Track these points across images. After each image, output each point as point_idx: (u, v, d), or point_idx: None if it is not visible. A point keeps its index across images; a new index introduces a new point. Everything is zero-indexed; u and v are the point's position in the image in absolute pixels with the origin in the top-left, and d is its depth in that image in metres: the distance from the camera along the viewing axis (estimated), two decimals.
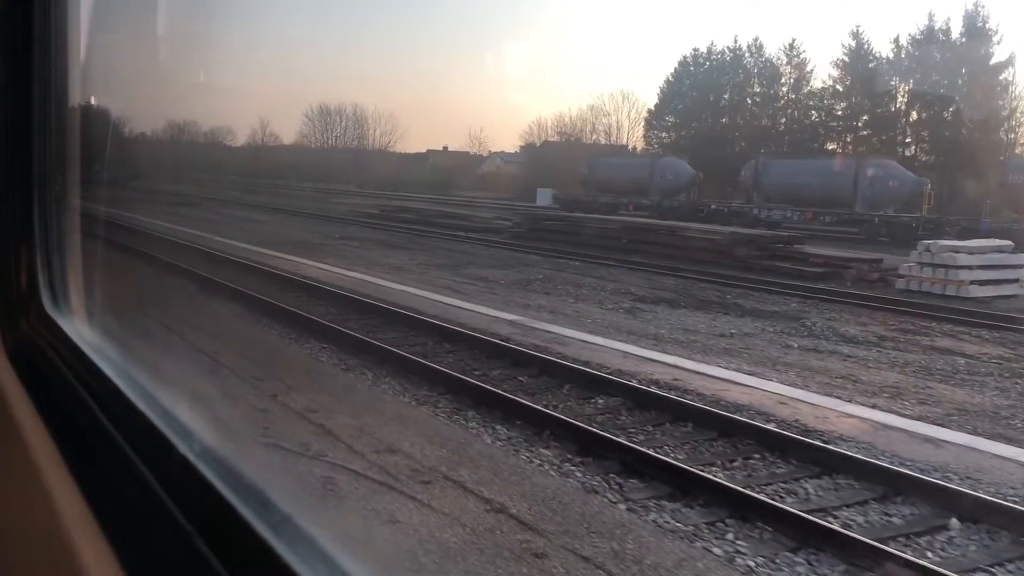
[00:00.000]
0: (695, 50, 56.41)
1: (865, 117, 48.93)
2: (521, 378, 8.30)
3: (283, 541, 1.01)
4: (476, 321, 10.92)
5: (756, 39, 55.25)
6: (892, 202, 30.53)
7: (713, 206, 34.53)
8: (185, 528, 1.12)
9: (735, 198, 38.05)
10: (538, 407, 7.12)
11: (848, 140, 49.78)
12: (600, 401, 7.57)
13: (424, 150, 66.86)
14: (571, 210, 34.74)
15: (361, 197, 46.01)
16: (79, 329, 2.13)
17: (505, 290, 14.83)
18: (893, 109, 47.83)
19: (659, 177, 38.11)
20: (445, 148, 66.41)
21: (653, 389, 7.77)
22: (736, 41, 56.99)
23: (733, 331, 11.57)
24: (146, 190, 37.72)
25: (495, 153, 65.29)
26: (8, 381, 2.00)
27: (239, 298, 11.96)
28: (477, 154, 65.84)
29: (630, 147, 56.52)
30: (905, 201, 30.73)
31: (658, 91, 58.70)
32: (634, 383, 7.92)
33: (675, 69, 56.66)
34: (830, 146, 49.43)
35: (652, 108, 57.67)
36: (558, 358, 8.81)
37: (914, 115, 47.11)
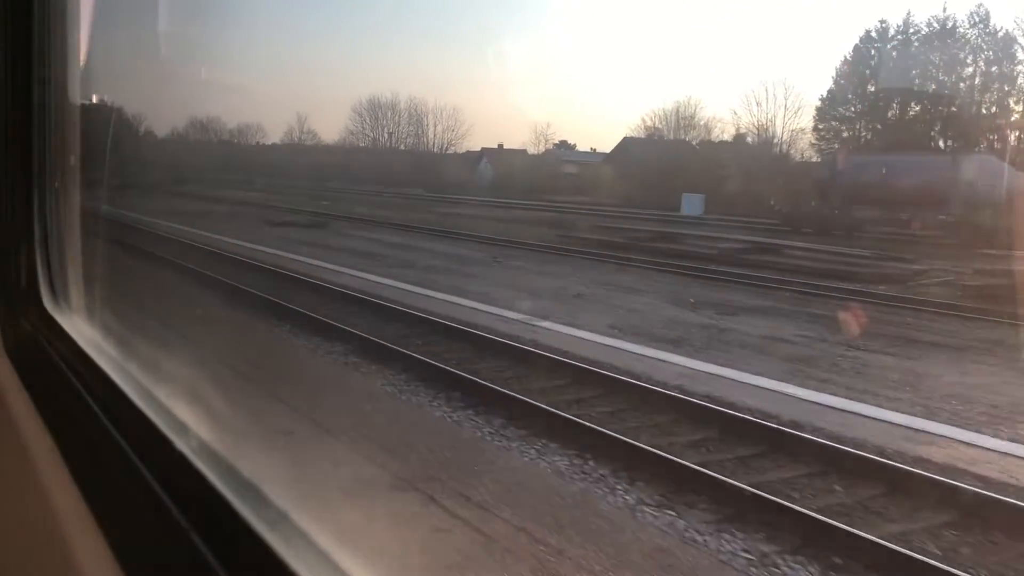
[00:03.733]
0: (882, 22, 43.27)
1: None
2: None
3: (279, 537, 1.01)
4: None
5: (980, 6, 42.45)
6: None
7: None
8: (182, 524, 1.12)
9: None
10: None
11: None
12: None
13: (478, 148, 58.16)
14: (796, 226, 26.66)
15: (466, 205, 37.93)
16: (79, 327, 2.13)
17: None
18: None
19: (970, 183, 25.76)
20: (500, 146, 57.83)
21: None
22: (945, 9, 45.55)
23: None
24: (214, 200, 33.46)
25: (549, 150, 57.41)
26: (7, 378, 2.01)
27: None
28: (539, 152, 56.93)
29: (694, 139, 47.66)
30: None
31: (833, 75, 46.57)
32: None
33: (855, 46, 44.14)
34: None
35: (825, 95, 45.09)
36: None
37: None
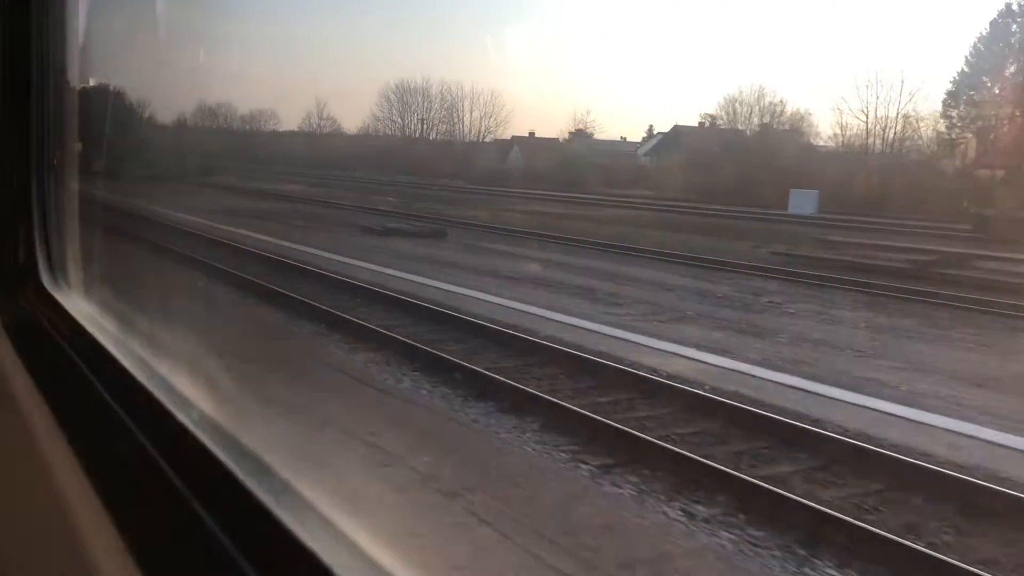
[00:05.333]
0: None
1: None
2: None
3: (283, 506, 1.00)
4: None
5: None
6: None
7: None
8: (184, 495, 1.11)
9: None
10: None
11: None
12: None
13: (508, 136, 52.55)
14: (1000, 236, 19.64)
15: (542, 202, 32.52)
16: (77, 304, 2.12)
17: None
18: None
19: None
20: (532, 134, 52.64)
21: None
22: None
23: None
24: (261, 195, 29.46)
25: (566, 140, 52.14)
26: (7, 356, 2.00)
27: None
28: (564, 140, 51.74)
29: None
30: None
31: (967, 54, 38.49)
32: None
33: (992, 20, 36.08)
34: None
35: (956, 77, 37.93)
36: None
37: None
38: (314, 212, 26.05)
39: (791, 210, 30.02)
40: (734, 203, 30.90)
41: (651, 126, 51.51)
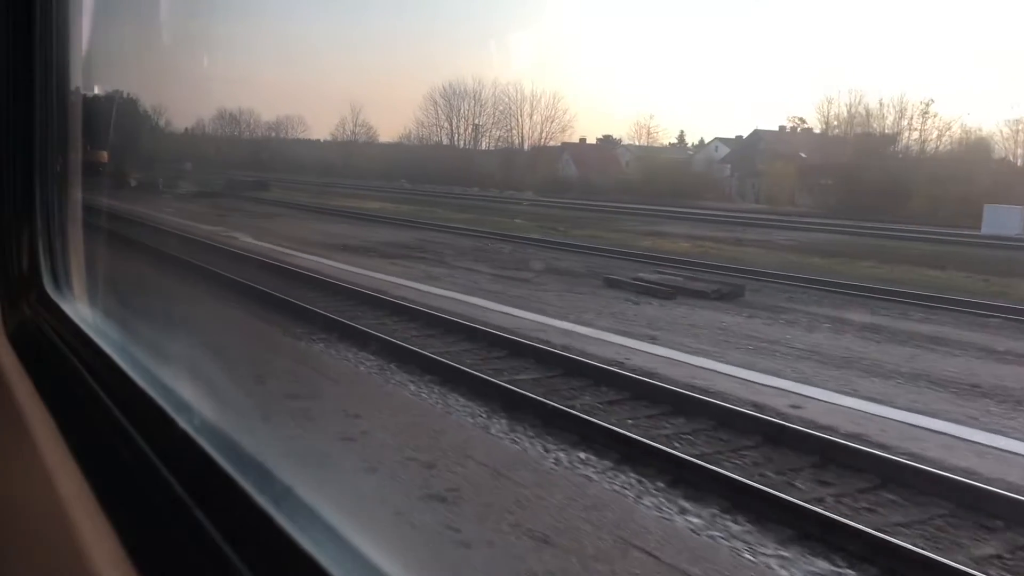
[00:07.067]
0: None
1: None
2: None
3: (284, 513, 0.99)
4: None
5: None
6: None
7: None
8: (185, 502, 1.10)
9: None
10: None
11: None
12: None
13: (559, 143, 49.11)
14: None
15: (676, 221, 27.49)
16: (80, 311, 2.12)
17: None
18: None
19: None
20: (582, 140, 49.19)
21: None
22: None
23: None
24: (352, 218, 24.38)
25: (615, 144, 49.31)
26: (9, 362, 1.99)
27: None
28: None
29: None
30: None
31: None
32: None
33: None
34: None
35: None
36: None
37: None
38: (472, 247, 19.01)
39: (986, 230, 24.27)
40: (894, 220, 26.14)
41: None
